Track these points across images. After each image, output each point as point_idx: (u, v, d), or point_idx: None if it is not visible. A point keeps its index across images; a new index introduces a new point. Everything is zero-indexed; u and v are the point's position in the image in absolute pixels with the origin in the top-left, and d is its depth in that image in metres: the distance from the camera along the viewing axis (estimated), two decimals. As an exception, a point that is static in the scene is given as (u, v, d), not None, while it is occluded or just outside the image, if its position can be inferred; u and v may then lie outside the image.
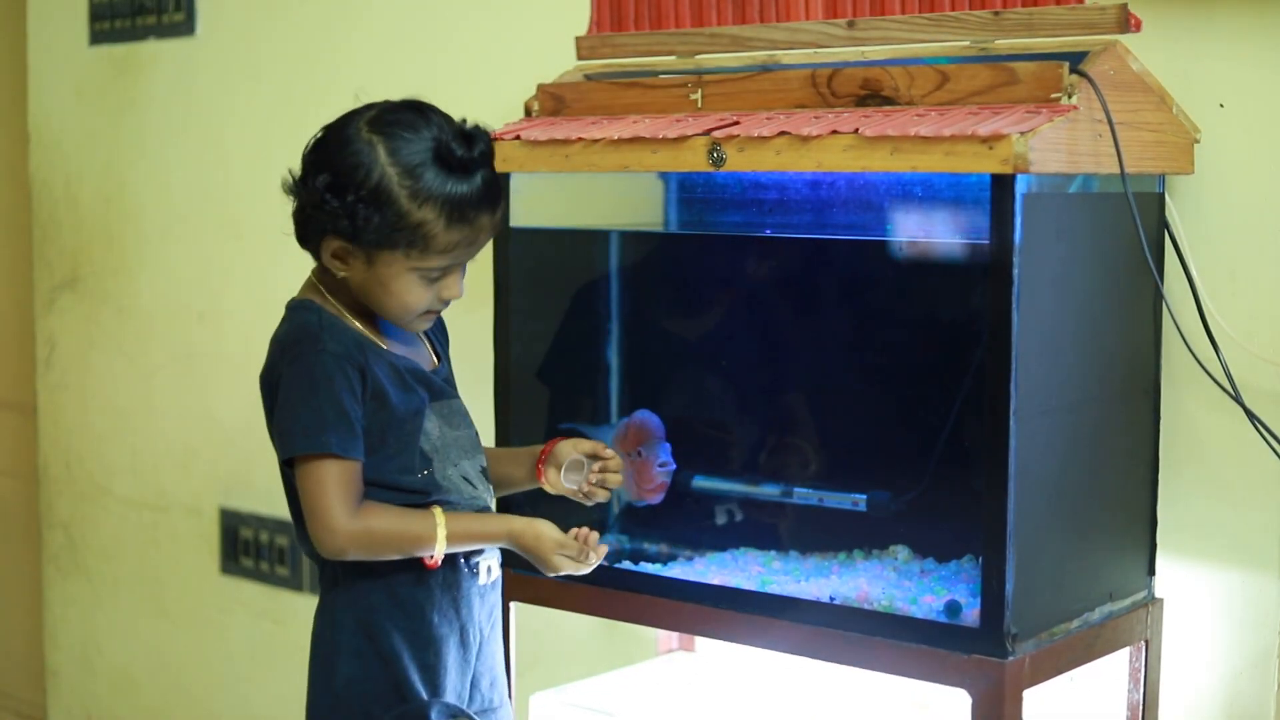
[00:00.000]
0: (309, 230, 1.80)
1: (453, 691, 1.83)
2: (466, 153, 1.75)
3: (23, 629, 3.78)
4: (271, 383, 1.80)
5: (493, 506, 1.91)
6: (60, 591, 3.60)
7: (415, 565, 1.81)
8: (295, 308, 1.83)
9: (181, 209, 3.23)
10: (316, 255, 1.82)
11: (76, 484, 3.53)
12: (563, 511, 1.97)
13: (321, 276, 1.84)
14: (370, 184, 1.73)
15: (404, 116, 1.77)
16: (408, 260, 1.76)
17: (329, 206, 1.75)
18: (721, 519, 2.17)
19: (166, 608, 3.37)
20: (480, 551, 1.86)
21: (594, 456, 1.95)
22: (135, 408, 3.36)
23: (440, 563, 1.79)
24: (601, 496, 1.97)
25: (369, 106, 1.80)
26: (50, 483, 3.60)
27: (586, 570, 1.85)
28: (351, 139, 1.76)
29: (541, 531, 1.82)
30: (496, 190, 1.79)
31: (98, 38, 3.36)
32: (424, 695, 1.80)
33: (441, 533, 1.77)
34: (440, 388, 1.86)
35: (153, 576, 3.39)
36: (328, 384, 1.74)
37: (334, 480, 1.73)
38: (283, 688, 3.14)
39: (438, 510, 1.79)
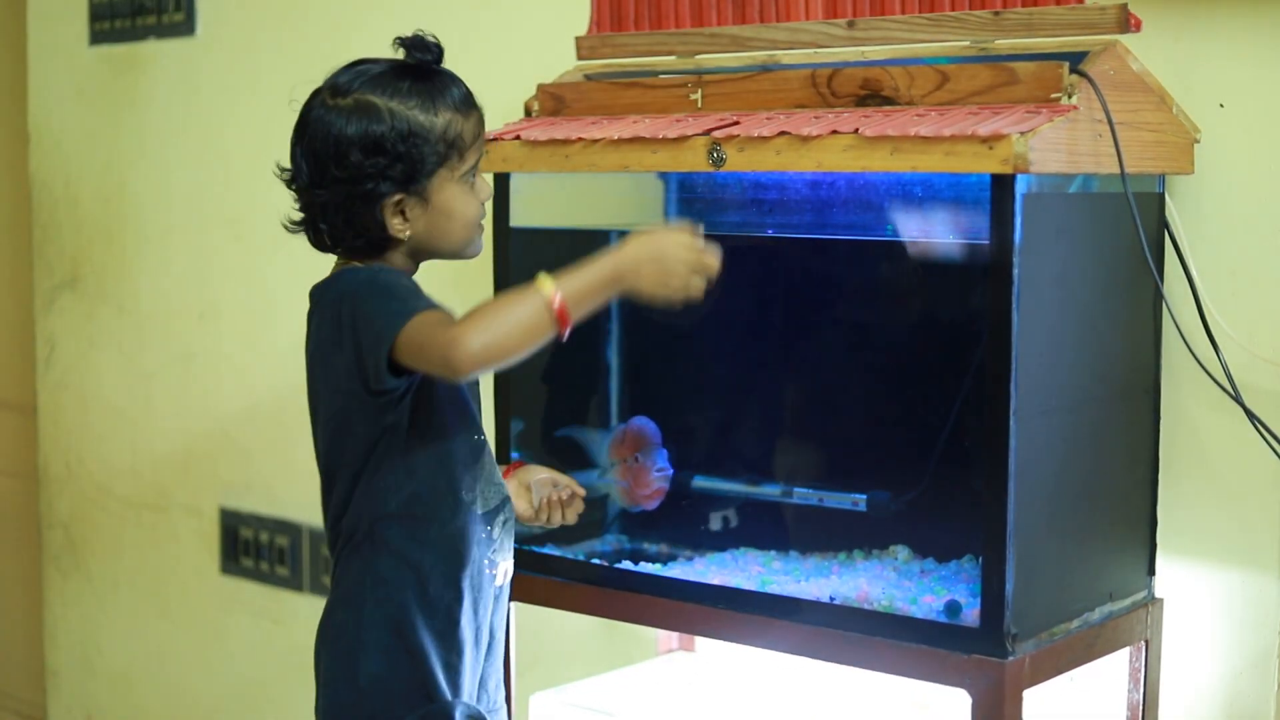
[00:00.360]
0: (357, 212, 1.76)
1: (467, 692, 1.83)
2: (425, 55, 1.79)
3: (23, 629, 3.78)
4: (323, 341, 1.76)
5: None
6: (60, 591, 3.60)
7: (447, 564, 1.78)
8: (333, 275, 1.81)
9: (181, 209, 3.23)
10: (362, 237, 1.78)
11: (76, 484, 3.53)
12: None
13: (351, 261, 1.83)
14: (392, 125, 1.74)
15: (350, 68, 1.79)
16: (452, 172, 1.77)
17: (374, 169, 1.74)
18: (721, 519, 2.17)
19: (166, 608, 3.37)
20: (499, 552, 1.84)
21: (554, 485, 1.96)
22: (135, 407, 3.37)
23: (568, 332, 1.65)
24: (555, 520, 1.95)
25: (314, 93, 1.81)
26: (50, 483, 3.60)
27: (714, 272, 1.71)
28: (341, 108, 1.76)
29: (658, 231, 1.70)
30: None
31: (98, 38, 3.36)
32: (448, 695, 1.79)
33: (551, 286, 1.65)
34: None
35: (153, 576, 3.39)
36: (399, 284, 1.74)
37: (434, 317, 1.68)
38: (282, 688, 3.14)
39: (539, 275, 1.68)
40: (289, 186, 1.82)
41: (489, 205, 1.86)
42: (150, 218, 3.29)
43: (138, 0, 3.26)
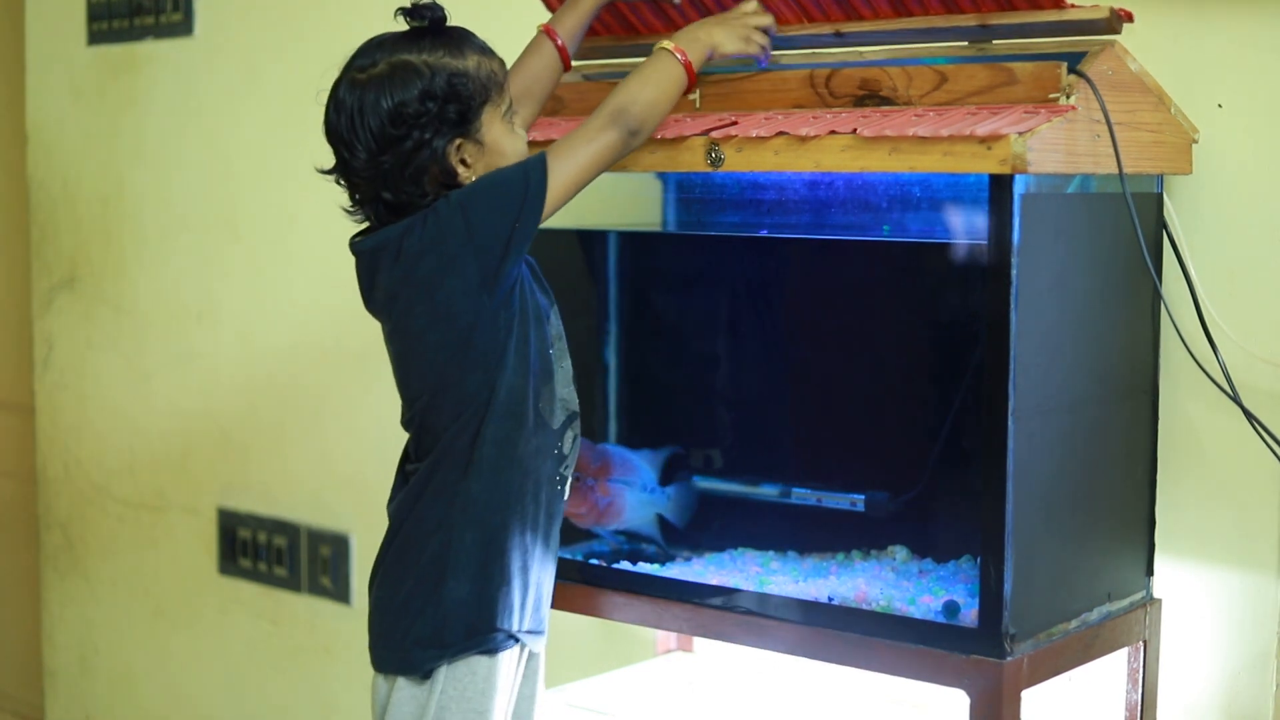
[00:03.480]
0: (423, 167, 1.80)
1: (545, 604, 1.88)
2: (432, 13, 1.84)
3: (21, 629, 3.78)
4: (430, 272, 1.80)
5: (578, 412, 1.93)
6: (58, 592, 3.60)
7: (531, 481, 1.84)
8: (409, 220, 1.82)
9: (180, 209, 3.23)
10: (429, 195, 1.81)
11: (74, 484, 3.53)
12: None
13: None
14: (432, 74, 1.79)
15: (363, 48, 1.85)
16: (497, 110, 1.83)
17: (429, 118, 1.79)
18: (720, 519, 2.17)
19: (164, 608, 3.37)
20: (569, 467, 1.89)
21: None
22: (133, 408, 3.36)
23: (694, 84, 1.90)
24: None
25: (339, 80, 1.84)
26: (48, 483, 3.60)
27: (769, 20, 1.97)
28: (377, 76, 1.80)
29: (704, 24, 1.94)
30: None
31: (96, 38, 3.36)
32: (522, 621, 1.84)
33: (672, 44, 1.89)
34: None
35: (151, 577, 3.39)
36: (495, 177, 1.82)
37: (564, 141, 1.83)
38: (281, 688, 3.14)
39: (661, 43, 1.90)
40: (339, 178, 1.84)
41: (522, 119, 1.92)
42: (149, 218, 3.29)
43: (136, 0, 3.26)
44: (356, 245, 1.85)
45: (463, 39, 1.84)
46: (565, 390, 1.89)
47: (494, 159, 1.83)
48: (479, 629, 1.81)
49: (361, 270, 1.85)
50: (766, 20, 1.95)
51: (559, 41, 2.00)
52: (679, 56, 1.87)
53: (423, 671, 1.82)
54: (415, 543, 1.84)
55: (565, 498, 1.90)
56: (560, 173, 1.80)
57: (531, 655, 1.91)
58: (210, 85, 3.14)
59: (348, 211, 1.86)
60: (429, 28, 1.83)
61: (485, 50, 1.85)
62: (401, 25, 1.84)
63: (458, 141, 1.80)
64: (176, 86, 3.21)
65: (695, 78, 1.88)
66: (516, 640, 1.84)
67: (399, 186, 1.80)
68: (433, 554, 1.82)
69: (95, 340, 3.43)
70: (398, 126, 1.78)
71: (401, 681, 1.83)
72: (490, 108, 1.83)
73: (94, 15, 3.36)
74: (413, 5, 1.84)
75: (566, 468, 1.89)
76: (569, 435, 1.89)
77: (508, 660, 1.84)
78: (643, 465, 2.15)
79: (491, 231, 1.78)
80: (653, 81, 1.86)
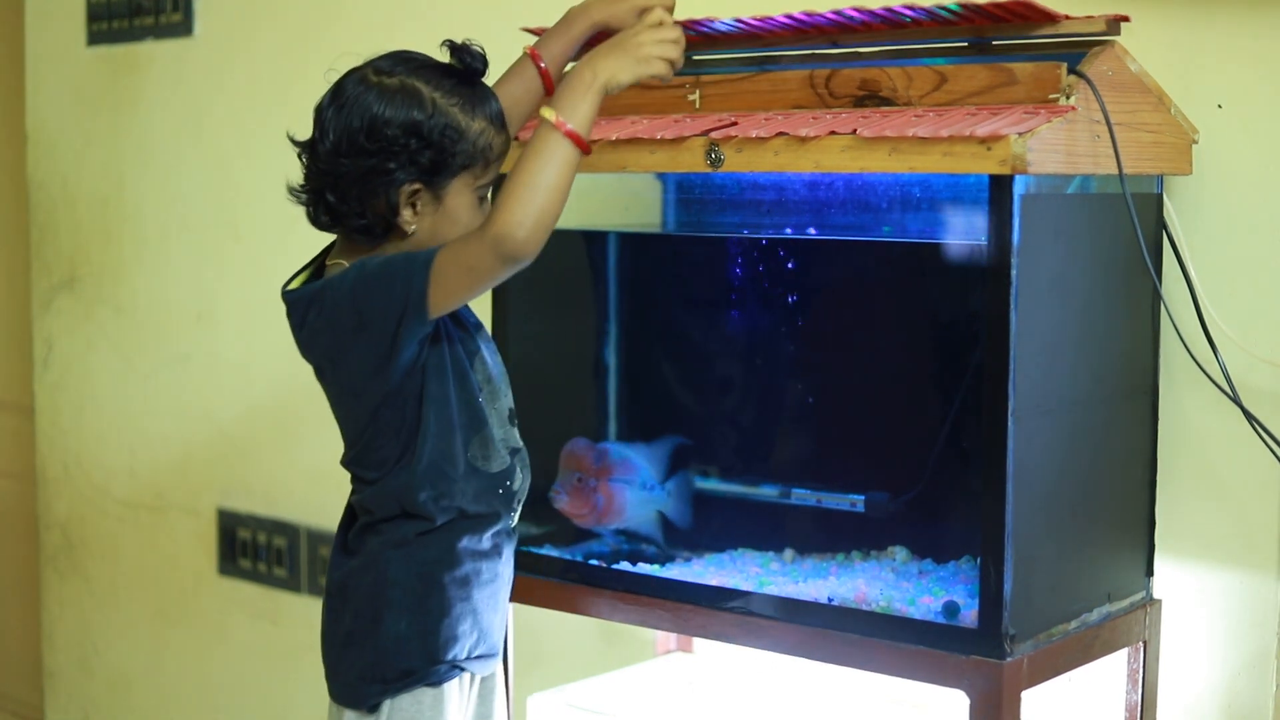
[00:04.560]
0: (374, 190, 1.76)
1: (491, 638, 1.85)
2: (473, 61, 1.80)
3: (20, 630, 3.78)
4: (340, 331, 1.77)
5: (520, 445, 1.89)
6: (58, 592, 3.60)
7: (466, 524, 1.81)
8: (328, 278, 1.81)
9: (179, 209, 3.23)
10: (365, 219, 1.78)
11: (74, 485, 3.53)
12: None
13: (349, 250, 1.83)
14: (432, 114, 1.75)
15: (394, 55, 1.80)
16: (473, 180, 1.79)
17: (405, 151, 1.74)
18: (720, 520, 2.17)
19: (164, 609, 3.37)
20: (517, 502, 1.87)
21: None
22: (133, 408, 3.36)
23: (589, 146, 1.73)
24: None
25: (354, 69, 1.81)
26: (48, 483, 3.60)
27: (677, 34, 1.80)
28: (386, 86, 1.76)
29: (596, 55, 1.77)
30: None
31: (95, 38, 3.36)
32: (468, 650, 1.82)
33: (553, 116, 1.71)
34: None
35: (150, 577, 3.39)
36: (396, 255, 1.75)
37: (456, 241, 1.73)
38: (280, 688, 3.14)
39: (541, 110, 1.73)
40: (303, 153, 1.81)
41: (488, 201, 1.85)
42: (148, 218, 3.29)
43: (135, 1, 3.26)
44: (285, 293, 1.83)
45: (482, 100, 1.80)
46: (501, 430, 1.85)
47: (445, 223, 1.78)
48: (420, 663, 1.80)
49: (288, 316, 1.84)
50: (672, 34, 1.80)
51: (542, 65, 1.97)
52: (561, 130, 1.70)
53: (367, 705, 1.81)
54: (354, 576, 1.83)
55: (515, 523, 1.88)
56: (442, 290, 1.71)
57: (484, 679, 1.89)
58: (210, 85, 3.14)
59: (291, 191, 1.83)
60: (461, 72, 1.80)
61: (496, 120, 1.80)
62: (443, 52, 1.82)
63: (417, 186, 1.76)
64: (176, 87, 3.21)
65: (586, 144, 1.71)
66: (462, 669, 1.83)
67: (345, 195, 1.77)
68: (369, 590, 1.81)
69: (95, 340, 3.43)
70: (372, 140, 1.75)
71: (350, 715, 1.82)
72: (468, 175, 1.78)
73: (94, 15, 3.36)
74: (462, 44, 1.82)
75: (518, 501, 1.87)
76: (518, 471, 1.86)
77: (454, 690, 1.82)
78: (643, 464, 2.15)
79: (379, 327, 1.73)
80: (537, 185, 1.68)
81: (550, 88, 1.98)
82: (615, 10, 1.94)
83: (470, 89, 1.79)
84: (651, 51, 1.77)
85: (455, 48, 1.81)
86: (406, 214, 1.77)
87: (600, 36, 1.98)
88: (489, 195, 1.83)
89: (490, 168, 1.80)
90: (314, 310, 1.79)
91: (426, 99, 1.75)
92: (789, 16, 1.92)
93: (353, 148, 1.75)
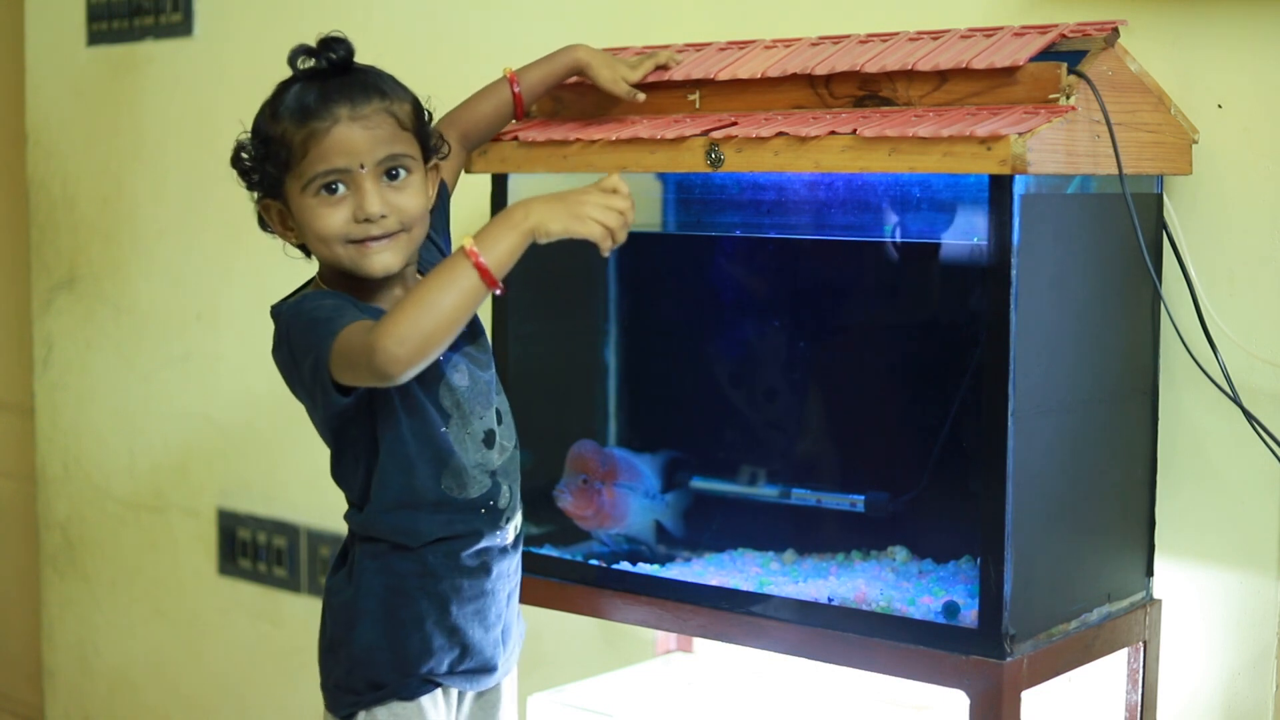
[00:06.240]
0: (261, 218, 1.84)
1: (474, 654, 1.83)
2: (307, 59, 1.79)
3: (20, 630, 3.78)
4: (285, 363, 1.79)
5: (499, 464, 1.84)
6: (57, 592, 3.60)
7: (452, 550, 1.80)
8: (283, 302, 1.83)
9: (179, 210, 3.23)
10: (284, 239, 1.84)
11: (74, 485, 3.53)
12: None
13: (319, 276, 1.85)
14: (250, 132, 1.81)
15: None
16: (296, 181, 1.75)
17: (245, 175, 1.81)
18: (720, 520, 2.17)
19: (164, 609, 3.37)
20: (504, 519, 1.83)
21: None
22: (133, 408, 3.36)
23: (502, 287, 1.64)
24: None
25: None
26: (48, 483, 3.60)
27: (625, 205, 1.70)
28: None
29: (536, 199, 1.67)
30: (357, 83, 1.78)
31: (95, 38, 3.36)
32: (448, 665, 1.80)
33: (469, 243, 1.63)
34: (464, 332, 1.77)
35: (150, 577, 3.39)
36: (319, 307, 1.73)
37: (356, 328, 1.66)
38: (280, 689, 3.14)
39: (462, 237, 1.65)
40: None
41: (368, 201, 1.75)
42: (148, 218, 3.29)
43: (135, 1, 3.26)
44: (272, 309, 1.83)
45: (292, 98, 1.75)
46: (478, 455, 1.81)
47: (308, 237, 1.77)
48: (391, 675, 1.79)
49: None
50: (622, 204, 1.69)
51: (517, 90, 1.97)
52: (472, 259, 1.62)
53: (342, 715, 1.81)
54: (339, 584, 1.84)
55: (511, 538, 1.85)
56: (338, 372, 1.68)
57: (480, 694, 1.88)
58: (210, 86, 3.14)
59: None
60: (314, 72, 1.79)
61: (297, 114, 1.73)
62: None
63: (268, 202, 1.80)
64: (176, 87, 3.21)
65: (495, 281, 1.63)
66: (438, 684, 1.81)
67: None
68: (348, 599, 1.81)
69: (95, 340, 3.43)
70: (235, 166, 1.82)
71: None
72: (292, 178, 1.75)
73: (94, 15, 3.36)
74: (318, 42, 1.81)
75: (505, 519, 1.84)
76: (503, 489, 1.83)
77: (431, 705, 1.81)
78: (648, 471, 2.15)
79: (313, 383, 1.73)
80: (430, 307, 1.61)
81: (520, 113, 1.99)
82: (600, 63, 1.98)
83: (291, 89, 1.78)
84: (590, 213, 1.67)
85: (308, 50, 1.80)
86: (280, 231, 1.80)
87: (579, 81, 2.00)
88: (352, 193, 1.75)
89: (310, 163, 1.73)
90: (274, 343, 1.80)
91: (263, 107, 1.79)
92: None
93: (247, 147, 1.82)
